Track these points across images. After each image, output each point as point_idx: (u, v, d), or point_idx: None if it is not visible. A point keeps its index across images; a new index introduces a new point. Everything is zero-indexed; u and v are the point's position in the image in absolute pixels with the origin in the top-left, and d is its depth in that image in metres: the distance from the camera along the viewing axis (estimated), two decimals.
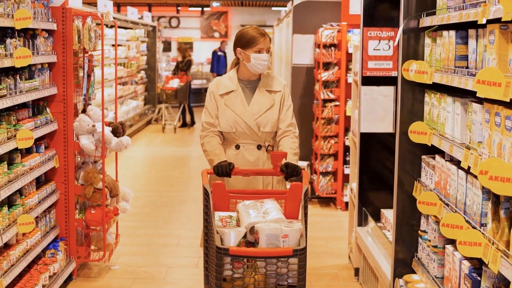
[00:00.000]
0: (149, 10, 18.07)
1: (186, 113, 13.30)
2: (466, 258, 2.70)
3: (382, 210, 4.42)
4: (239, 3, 19.34)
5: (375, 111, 4.55)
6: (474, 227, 2.51)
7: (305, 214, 3.07)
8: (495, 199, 2.35)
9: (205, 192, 3.11)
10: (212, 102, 3.65)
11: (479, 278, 2.55)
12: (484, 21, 2.36)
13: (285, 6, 12.54)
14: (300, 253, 2.81)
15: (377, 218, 4.46)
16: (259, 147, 3.62)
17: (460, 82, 2.65)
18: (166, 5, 19.48)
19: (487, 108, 2.41)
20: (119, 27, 9.40)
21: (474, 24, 2.57)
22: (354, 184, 4.91)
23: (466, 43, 2.74)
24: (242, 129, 3.59)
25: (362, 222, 4.68)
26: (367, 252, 4.31)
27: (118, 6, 16.97)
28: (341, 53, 6.71)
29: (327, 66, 6.92)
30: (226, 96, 3.62)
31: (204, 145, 3.60)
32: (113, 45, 10.09)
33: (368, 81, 4.54)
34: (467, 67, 2.74)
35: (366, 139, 4.63)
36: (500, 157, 2.26)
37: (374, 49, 4.50)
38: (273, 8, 19.22)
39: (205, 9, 19.95)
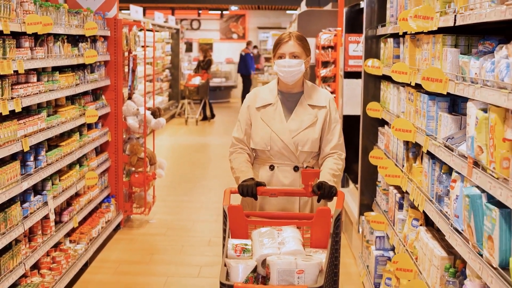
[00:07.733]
0: (172, 14, 19.42)
1: (207, 107, 14.66)
2: (399, 192, 4.00)
3: None
4: (256, 6, 20.65)
5: (355, 98, 5.86)
6: (398, 167, 3.82)
7: (336, 242, 2.70)
8: (408, 147, 3.66)
9: (224, 215, 2.79)
10: (245, 117, 3.29)
11: (403, 202, 3.86)
12: (401, 33, 3.66)
13: (296, 10, 13.86)
14: None
15: (357, 182, 5.75)
16: (295, 168, 3.21)
17: None
18: (188, 9, 20.88)
19: (405, 89, 3.71)
20: (147, 30, 10.50)
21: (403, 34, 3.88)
22: None
23: (399, 47, 4.04)
24: (277, 147, 3.19)
25: (344, 184, 6.00)
26: (346, 206, 5.62)
27: (143, 10, 18.32)
28: (337, 54, 7.99)
29: (325, 64, 8.23)
30: (263, 109, 3.25)
31: (231, 161, 3.26)
32: (147, 46, 11.47)
33: (349, 75, 5.88)
34: None
35: (348, 120, 5.95)
36: (409, 119, 3.57)
37: (353, 50, 5.82)
38: (287, 12, 20.52)
39: (224, 12, 21.35)
